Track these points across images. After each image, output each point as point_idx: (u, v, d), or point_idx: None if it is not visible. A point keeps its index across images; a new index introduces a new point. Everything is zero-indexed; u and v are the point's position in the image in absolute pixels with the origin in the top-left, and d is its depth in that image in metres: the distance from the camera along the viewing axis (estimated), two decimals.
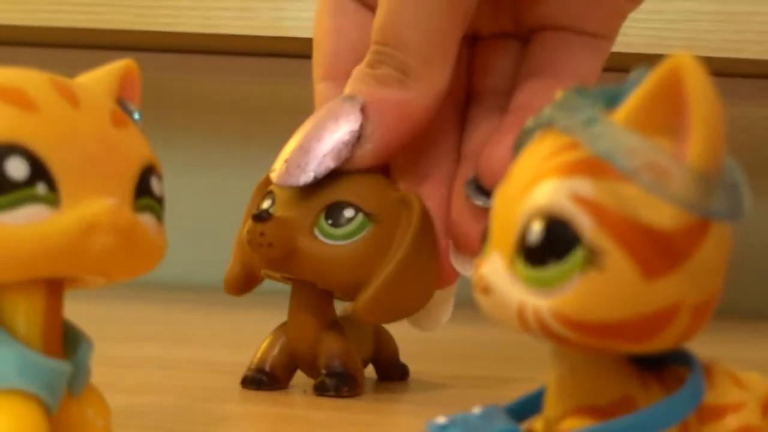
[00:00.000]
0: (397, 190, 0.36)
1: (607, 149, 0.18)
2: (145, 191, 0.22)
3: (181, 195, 0.47)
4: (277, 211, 0.34)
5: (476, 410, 0.21)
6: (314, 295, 0.36)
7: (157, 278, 0.32)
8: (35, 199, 0.20)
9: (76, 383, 0.23)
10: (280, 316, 0.36)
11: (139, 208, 0.22)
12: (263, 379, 0.35)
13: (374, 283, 0.34)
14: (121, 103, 0.24)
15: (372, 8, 0.37)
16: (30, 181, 0.20)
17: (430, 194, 0.37)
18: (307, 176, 0.34)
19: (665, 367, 0.21)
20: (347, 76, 0.37)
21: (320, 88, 0.39)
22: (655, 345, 0.19)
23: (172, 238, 0.24)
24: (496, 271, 0.20)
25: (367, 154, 0.35)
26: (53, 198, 0.20)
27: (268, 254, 0.33)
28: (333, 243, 0.34)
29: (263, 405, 0.33)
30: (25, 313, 0.22)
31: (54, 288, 0.22)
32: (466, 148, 0.38)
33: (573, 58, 0.38)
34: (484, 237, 0.21)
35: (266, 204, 0.35)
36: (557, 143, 0.19)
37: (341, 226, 0.34)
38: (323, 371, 0.35)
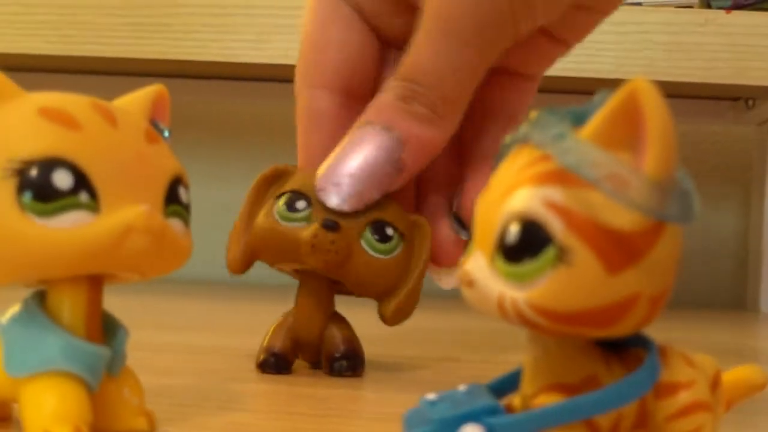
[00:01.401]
0: (408, 213, 0.36)
1: (574, 161, 0.18)
2: (173, 199, 0.22)
3: (204, 202, 0.47)
4: (319, 215, 0.34)
5: (462, 388, 0.21)
6: (320, 289, 0.36)
7: (183, 275, 0.32)
8: (78, 206, 0.20)
9: (115, 366, 0.23)
10: (284, 306, 0.36)
11: (168, 214, 0.22)
12: (280, 363, 0.35)
13: (399, 295, 0.35)
14: (154, 122, 0.24)
15: (379, 34, 0.37)
16: (74, 191, 0.20)
17: None
18: (358, 204, 0.34)
19: (626, 350, 0.21)
20: (341, 89, 0.36)
21: (313, 95, 0.37)
22: (617, 331, 0.19)
23: (197, 239, 0.24)
24: (478, 267, 0.20)
25: (397, 183, 0.34)
26: (94, 205, 0.20)
27: (333, 259, 0.33)
28: (377, 256, 0.34)
29: (275, 384, 0.33)
30: (70, 305, 0.22)
31: (95, 283, 0.22)
32: (433, 172, 0.38)
33: (520, 101, 0.38)
34: (468, 237, 0.21)
35: (300, 204, 0.34)
36: (532, 156, 0.19)
37: (385, 242, 0.34)
38: (336, 354, 0.35)
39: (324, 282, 0.35)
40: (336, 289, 0.36)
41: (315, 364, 0.37)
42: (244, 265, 0.36)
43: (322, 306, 0.36)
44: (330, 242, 0.33)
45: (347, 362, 0.35)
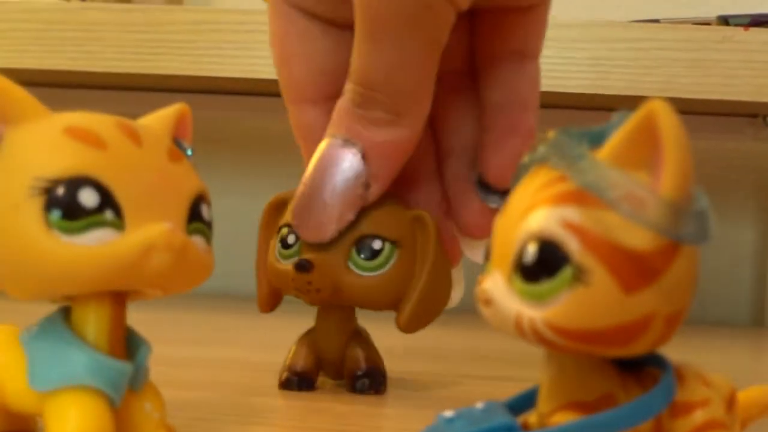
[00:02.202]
0: (407, 209, 0.34)
1: (591, 182, 0.19)
2: (196, 216, 0.23)
3: (225, 216, 0.47)
4: (306, 251, 0.33)
5: (479, 405, 0.21)
6: (340, 310, 0.35)
7: (203, 289, 0.32)
8: (103, 224, 0.20)
9: (137, 380, 0.23)
10: (305, 321, 0.36)
11: (191, 231, 0.22)
12: (302, 383, 0.35)
13: (410, 301, 0.33)
14: (177, 141, 0.24)
15: (339, 25, 0.34)
16: (99, 209, 0.20)
17: (425, 193, 0.36)
18: (331, 232, 0.33)
19: (642, 369, 0.21)
20: (323, 97, 0.34)
21: (298, 110, 0.35)
22: (633, 350, 0.19)
23: (217, 253, 0.25)
24: (496, 286, 0.20)
25: (374, 193, 0.33)
26: (119, 223, 0.21)
27: (317, 297, 0.33)
28: (369, 274, 0.33)
29: (295, 399, 0.33)
30: (94, 321, 0.22)
31: (118, 299, 0.23)
32: (452, 141, 0.36)
33: (525, 36, 0.35)
34: (486, 256, 0.21)
35: (291, 238, 0.33)
36: (549, 176, 0.19)
37: (373, 258, 0.33)
38: (359, 372, 0.35)
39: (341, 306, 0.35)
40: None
41: (338, 378, 0.36)
42: (270, 303, 0.36)
43: (342, 325, 0.35)
44: (307, 283, 0.32)
45: (369, 380, 0.34)
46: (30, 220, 0.20)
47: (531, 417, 0.21)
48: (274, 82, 0.36)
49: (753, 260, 0.86)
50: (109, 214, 0.21)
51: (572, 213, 0.18)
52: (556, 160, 0.20)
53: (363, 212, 0.33)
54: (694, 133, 0.19)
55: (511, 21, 0.35)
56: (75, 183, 0.20)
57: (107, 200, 0.21)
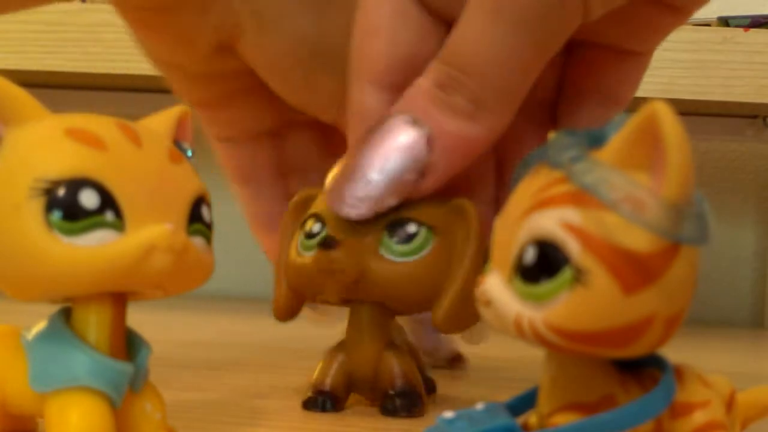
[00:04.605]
0: (448, 197, 0.30)
1: (592, 183, 0.19)
2: (196, 218, 0.23)
3: (226, 218, 0.47)
4: (336, 235, 0.29)
5: (480, 406, 0.21)
6: (373, 315, 0.31)
7: (205, 290, 0.32)
8: (104, 225, 0.20)
9: (137, 381, 0.23)
10: (305, 322, 0.36)
11: (191, 232, 0.22)
12: (326, 402, 0.31)
13: (448, 295, 0.29)
14: (177, 142, 0.24)
15: (439, 16, 0.31)
16: (100, 210, 0.20)
17: (476, 191, 0.33)
18: (365, 213, 0.29)
19: (642, 370, 0.21)
20: (391, 85, 0.31)
21: (360, 88, 0.31)
22: (633, 351, 0.19)
23: (219, 255, 0.25)
24: (496, 286, 0.20)
25: (425, 187, 0.29)
26: (119, 224, 0.21)
27: (340, 280, 0.29)
28: (401, 260, 0.29)
29: (296, 401, 0.33)
30: (95, 322, 0.22)
31: (119, 300, 0.23)
32: (513, 156, 0.33)
33: (624, 80, 0.34)
34: (485, 257, 0.21)
35: (316, 227, 0.30)
36: (549, 177, 0.19)
37: (407, 242, 0.29)
38: (391, 391, 0.30)
39: (374, 308, 0.31)
40: (392, 313, 0.32)
41: (373, 401, 0.32)
42: (289, 310, 0.32)
43: (374, 335, 0.31)
44: (329, 262, 0.29)
45: (401, 401, 0.30)
46: (31, 221, 0.20)
47: (531, 418, 0.21)
48: None
49: (753, 260, 0.86)
50: (109, 215, 0.21)
51: (572, 214, 0.18)
52: (556, 161, 0.20)
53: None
54: (694, 135, 0.19)
55: (610, 63, 0.33)
56: (75, 184, 0.20)
57: (108, 201, 0.21)
